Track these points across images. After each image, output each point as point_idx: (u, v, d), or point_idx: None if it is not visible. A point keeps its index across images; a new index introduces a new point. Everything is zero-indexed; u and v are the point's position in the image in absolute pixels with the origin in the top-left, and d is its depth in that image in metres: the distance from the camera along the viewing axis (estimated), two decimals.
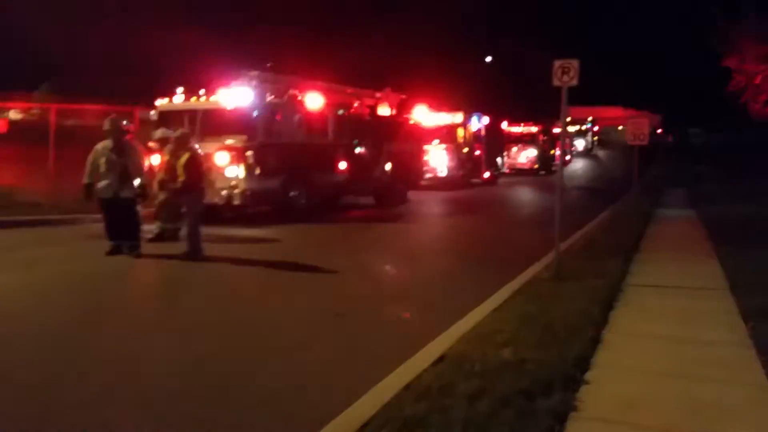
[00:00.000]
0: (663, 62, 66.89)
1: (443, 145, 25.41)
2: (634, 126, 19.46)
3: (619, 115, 57.57)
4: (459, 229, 14.40)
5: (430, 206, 18.93)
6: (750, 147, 41.06)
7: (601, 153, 61.27)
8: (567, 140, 51.88)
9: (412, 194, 20.51)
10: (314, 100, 15.25)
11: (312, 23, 27.32)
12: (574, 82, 8.25)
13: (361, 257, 10.21)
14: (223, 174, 13.17)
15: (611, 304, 6.92)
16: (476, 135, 28.02)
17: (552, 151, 42.84)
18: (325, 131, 15.71)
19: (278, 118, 14.01)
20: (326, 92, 15.95)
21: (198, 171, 9.22)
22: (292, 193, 14.25)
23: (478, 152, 28.25)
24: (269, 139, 13.70)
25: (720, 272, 8.58)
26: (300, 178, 14.49)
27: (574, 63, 8.23)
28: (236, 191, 13.10)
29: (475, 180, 27.93)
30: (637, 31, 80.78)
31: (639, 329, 6.02)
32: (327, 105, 15.75)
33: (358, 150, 17.43)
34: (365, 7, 29.97)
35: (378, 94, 19.40)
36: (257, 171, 13.28)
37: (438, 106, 26.86)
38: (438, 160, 25.22)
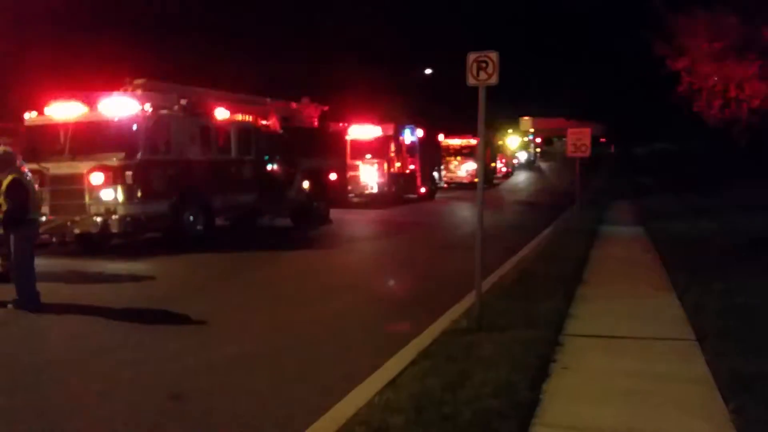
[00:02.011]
0: (606, 68, 67.00)
1: (373, 160, 23.70)
2: (575, 136, 18.12)
3: (562, 126, 57.38)
4: (376, 256, 12.59)
5: (353, 227, 17.11)
6: (696, 156, 40.66)
7: (543, 165, 61.02)
8: (509, 153, 51.22)
9: (337, 213, 18.70)
10: (213, 112, 13.28)
11: (219, 29, 25.28)
12: (494, 81, 6.57)
13: (242, 299, 8.26)
14: (97, 197, 11.06)
15: (544, 369, 5.22)
16: (410, 148, 26.44)
17: (492, 164, 41.90)
18: (227, 146, 13.72)
19: (166, 132, 11.96)
20: (228, 103, 14.01)
21: (24, 198, 7.11)
22: (186, 218, 12.22)
23: (412, 166, 26.70)
24: (155, 156, 11.67)
25: (680, 313, 7.01)
26: (195, 200, 12.49)
27: (493, 56, 6.55)
28: (113, 217, 11.00)
29: (410, 195, 26.35)
30: (578, 36, 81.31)
31: (581, 419, 4.29)
32: (229, 117, 13.79)
33: (269, 167, 15.50)
34: (283, 12, 28.05)
35: (294, 105, 17.52)
36: (138, 193, 11.21)
37: (367, 118, 25.22)
38: (367, 175, 23.52)
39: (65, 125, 11.53)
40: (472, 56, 6.61)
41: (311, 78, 25.18)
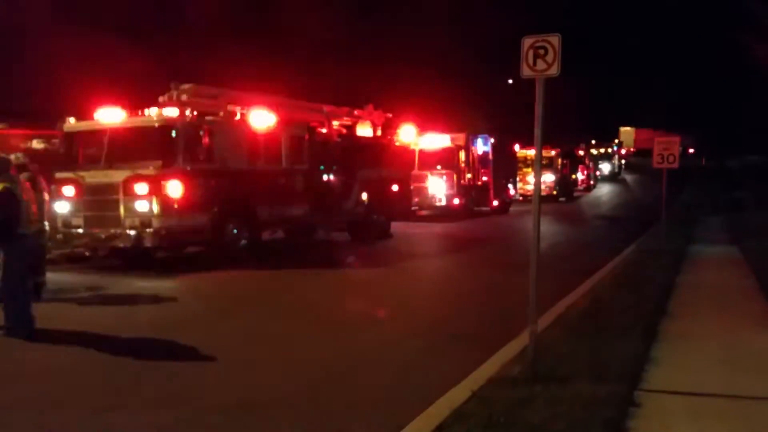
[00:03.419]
0: (697, 79, 63.08)
1: (442, 171, 22.48)
2: (661, 146, 16.36)
3: (648, 137, 54.08)
4: (432, 276, 11.37)
5: (415, 242, 15.96)
6: None
7: (628, 177, 57.85)
8: (591, 164, 48.61)
9: (401, 227, 17.62)
10: (261, 118, 12.49)
11: (282, 34, 24.75)
12: (554, 71, 5.31)
13: (263, 328, 7.25)
14: (132, 209, 10.43)
15: None
16: (482, 158, 25.05)
17: (573, 176, 39.70)
18: (277, 155, 12.89)
19: (208, 139, 11.23)
20: (279, 109, 13.19)
21: (12, 211, 6.36)
22: (228, 231, 11.44)
23: (485, 178, 25.28)
24: (194, 165, 10.95)
25: None
26: (238, 212, 11.69)
27: (553, 41, 5.29)
28: (147, 230, 10.32)
29: (482, 208, 24.94)
30: (668, 48, 77.20)
31: None
32: (280, 124, 12.99)
33: (324, 177, 14.60)
34: (348, 14, 27.29)
35: (357, 112, 16.58)
36: (175, 204, 10.50)
37: (436, 126, 24.06)
38: (435, 187, 22.30)
39: (102, 132, 10.99)
40: (527, 41, 5.38)
41: (380, 85, 24.24)
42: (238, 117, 12.17)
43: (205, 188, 11.04)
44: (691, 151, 62.33)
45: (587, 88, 48.94)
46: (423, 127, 23.30)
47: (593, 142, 56.57)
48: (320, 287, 9.94)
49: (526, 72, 5.44)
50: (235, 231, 11.55)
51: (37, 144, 13.92)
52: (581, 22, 59.55)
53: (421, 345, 6.64)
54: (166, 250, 11.36)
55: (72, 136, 11.46)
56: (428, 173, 22.44)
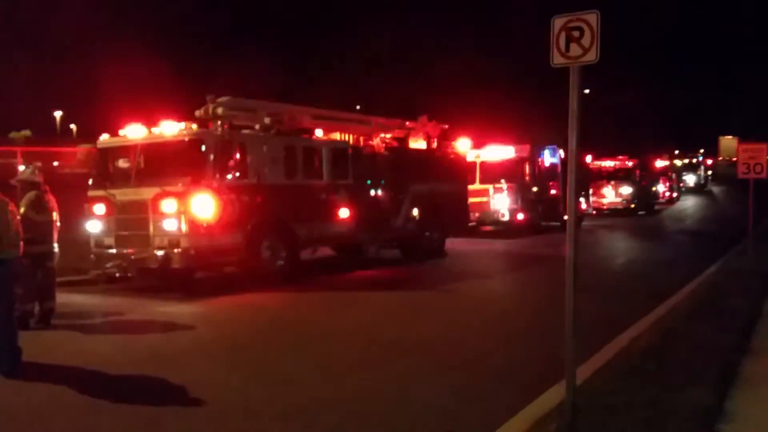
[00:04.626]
0: None
1: (504, 184, 21.26)
2: (747, 155, 14.74)
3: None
4: (480, 300, 10.23)
5: (470, 262, 14.88)
6: None
7: (715, 189, 54.36)
8: (674, 176, 45.80)
9: (459, 244, 16.66)
10: (302, 131, 11.86)
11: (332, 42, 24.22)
12: (592, 58, 4.32)
13: (277, 364, 6.41)
14: (160, 228, 9.94)
15: None
16: (550, 171, 23.65)
17: (653, 188, 37.38)
18: (318, 169, 12.20)
19: (242, 153, 10.67)
20: (321, 121, 12.54)
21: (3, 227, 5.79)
22: (262, 251, 10.80)
23: (553, 191, 23.85)
24: (226, 181, 10.39)
25: None
26: (274, 230, 11.05)
27: (591, 20, 4.30)
28: (175, 251, 9.80)
29: (552, 223, 23.50)
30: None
31: None
32: (322, 137, 12.32)
33: (372, 192, 13.81)
34: (405, 24, 26.54)
35: (409, 124, 15.74)
36: (205, 222, 9.94)
37: (500, 138, 22.87)
38: (498, 201, 21.09)
39: (134, 148, 10.60)
40: (558, 22, 4.41)
41: (438, 97, 23.34)
42: (275, 130, 11.55)
43: (238, 205, 10.44)
44: None
45: (668, 95, 46.39)
46: (486, 139, 22.25)
47: (676, 152, 53.58)
48: (354, 312, 9.09)
49: (557, 59, 4.47)
50: (270, 251, 10.90)
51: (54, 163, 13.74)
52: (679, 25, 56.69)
53: (451, 383, 5.69)
54: (200, 271, 10.83)
55: (105, 153, 11.15)
56: (490, 187, 21.30)
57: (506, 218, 21.10)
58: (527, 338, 7.44)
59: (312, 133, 12.54)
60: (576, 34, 4.33)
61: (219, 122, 10.56)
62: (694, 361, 5.86)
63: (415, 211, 14.58)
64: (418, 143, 15.88)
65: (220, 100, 11.40)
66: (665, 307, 8.76)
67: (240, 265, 10.69)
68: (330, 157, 12.39)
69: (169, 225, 9.87)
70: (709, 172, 60.98)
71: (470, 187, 19.05)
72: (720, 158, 59.78)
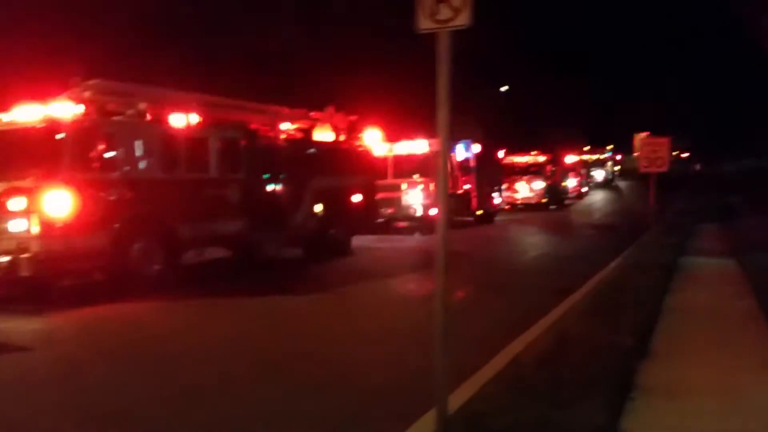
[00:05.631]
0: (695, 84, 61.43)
1: (418, 179, 20.68)
2: (649, 148, 14.72)
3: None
4: (380, 303, 9.43)
5: (377, 260, 14.12)
6: None
7: (622, 184, 56.01)
8: (584, 171, 46.75)
9: (368, 241, 15.89)
10: (185, 119, 10.74)
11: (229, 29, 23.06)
12: (463, 21, 3.58)
13: (107, 398, 5.38)
14: (6, 230, 8.62)
15: None
16: (463, 165, 23.29)
17: (564, 183, 37.94)
18: (204, 162, 11.11)
19: (107, 143, 9.45)
20: (210, 109, 11.44)
21: None
22: (134, 254, 9.61)
23: (467, 186, 23.50)
24: (86, 174, 9.13)
25: None
26: (148, 230, 9.89)
27: None
28: (24, 255, 8.50)
29: (466, 218, 23.14)
30: (662, 49, 75.46)
31: None
32: (208, 126, 11.23)
33: (269, 187, 12.82)
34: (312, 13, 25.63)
35: (313, 115, 14.78)
36: (61, 222, 8.70)
37: (414, 132, 22.27)
38: (410, 197, 20.49)
39: None
40: None
41: (349, 87, 22.46)
42: (151, 117, 10.38)
43: (103, 202, 9.23)
44: (683, 155, 60.59)
45: (579, 92, 47.28)
46: (399, 133, 21.58)
47: (586, 148, 54.87)
48: (229, 324, 8.05)
49: (424, 23, 3.70)
50: (143, 254, 9.72)
51: None
52: (577, 25, 58.04)
53: (315, 407, 4.85)
54: (64, 279, 9.56)
55: None
56: (403, 182, 20.68)
57: (419, 213, 20.54)
58: (428, 346, 6.69)
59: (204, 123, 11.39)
60: None
61: (82, 107, 9.29)
62: (590, 369, 5.27)
63: (318, 207, 13.68)
64: (324, 136, 14.96)
65: (89, 82, 10.12)
66: (564, 306, 8.30)
67: (107, 271, 9.49)
68: (219, 148, 11.31)
69: (17, 226, 8.56)
70: (617, 168, 62.86)
71: (382, 182, 18.38)
72: (635, 154, 61.79)
